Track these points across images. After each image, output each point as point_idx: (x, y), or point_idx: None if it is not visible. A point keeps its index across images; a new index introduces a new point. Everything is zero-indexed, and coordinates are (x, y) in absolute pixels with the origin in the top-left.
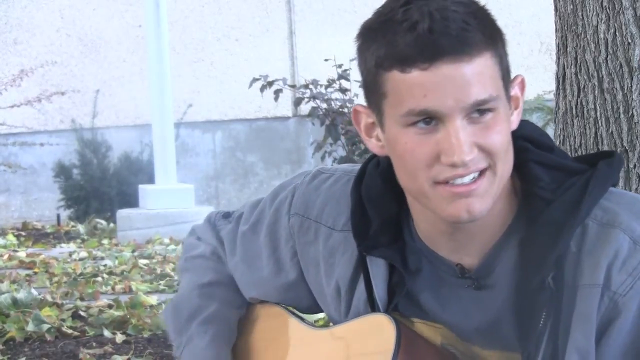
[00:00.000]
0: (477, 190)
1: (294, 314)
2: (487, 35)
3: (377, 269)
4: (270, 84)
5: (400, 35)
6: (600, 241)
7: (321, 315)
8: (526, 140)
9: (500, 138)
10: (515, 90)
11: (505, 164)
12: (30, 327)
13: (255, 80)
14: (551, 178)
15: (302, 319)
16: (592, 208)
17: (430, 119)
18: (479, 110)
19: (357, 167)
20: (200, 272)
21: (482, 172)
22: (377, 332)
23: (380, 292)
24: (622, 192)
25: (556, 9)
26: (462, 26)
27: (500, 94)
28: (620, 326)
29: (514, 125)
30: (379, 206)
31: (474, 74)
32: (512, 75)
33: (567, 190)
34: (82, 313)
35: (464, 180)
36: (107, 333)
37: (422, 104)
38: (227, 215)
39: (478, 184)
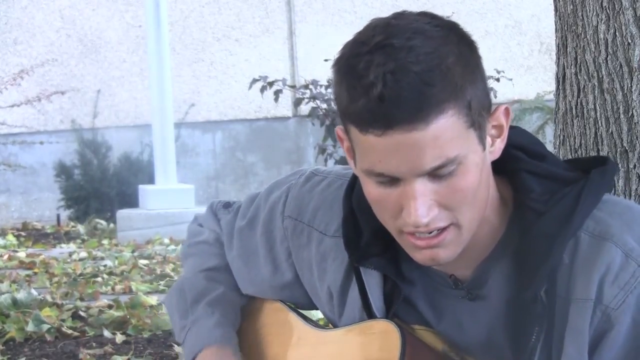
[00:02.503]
0: (440, 243)
1: (296, 311)
2: (451, 89)
3: (371, 279)
4: (271, 84)
5: (358, 95)
6: (592, 254)
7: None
8: (518, 148)
9: (463, 194)
10: (498, 120)
11: (474, 210)
12: (30, 328)
13: (255, 81)
14: (543, 188)
15: (304, 318)
16: (584, 220)
17: (389, 178)
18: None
19: (351, 170)
20: (205, 257)
21: (445, 227)
22: (381, 338)
23: (376, 301)
24: (615, 201)
25: (556, 9)
26: (419, 89)
27: (464, 149)
28: (613, 340)
29: (496, 154)
30: (369, 216)
31: (430, 140)
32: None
33: (559, 201)
34: (82, 313)
35: (425, 234)
36: (107, 333)
37: (378, 168)
38: (227, 205)
39: (441, 238)
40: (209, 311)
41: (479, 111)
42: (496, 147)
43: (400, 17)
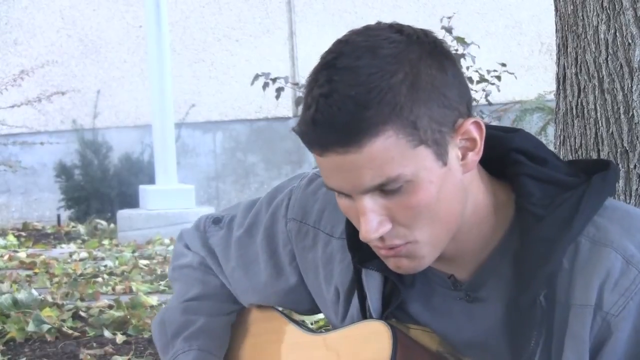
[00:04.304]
0: (400, 253)
1: (289, 317)
2: (390, 110)
3: (372, 280)
4: (274, 80)
5: (301, 114)
6: (592, 260)
7: (321, 315)
8: (520, 152)
9: (416, 211)
10: (469, 134)
11: (436, 226)
12: (30, 328)
13: (257, 76)
14: (543, 193)
15: (297, 323)
16: (584, 225)
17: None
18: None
19: None
20: (187, 284)
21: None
22: (373, 339)
23: (374, 304)
24: (615, 206)
25: (556, 10)
26: (352, 113)
27: (409, 168)
28: (614, 347)
29: (470, 167)
30: None
31: (365, 162)
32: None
33: (559, 206)
34: (82, 313)
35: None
36: (107, 333)
37: (327, 184)
38: (217, 221)
39: (398, 250)
40: (186, 347)
41: (434, 128)
42: (469, 159)
43: (362, 32)
